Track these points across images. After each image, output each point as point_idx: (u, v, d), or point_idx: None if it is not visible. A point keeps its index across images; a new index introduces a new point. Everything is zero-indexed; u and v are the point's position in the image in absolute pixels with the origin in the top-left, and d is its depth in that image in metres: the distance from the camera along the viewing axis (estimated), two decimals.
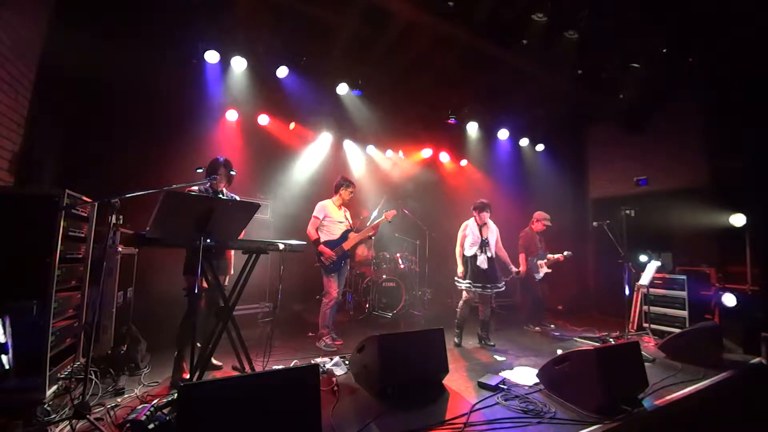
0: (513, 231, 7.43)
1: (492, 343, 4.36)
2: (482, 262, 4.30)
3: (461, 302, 4.41)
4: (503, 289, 4.41)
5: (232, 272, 3.42)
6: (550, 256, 5.32)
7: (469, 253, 4.36)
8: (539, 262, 5.36)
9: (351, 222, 4.41)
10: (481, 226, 4.47)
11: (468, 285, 4.29)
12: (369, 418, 2.42)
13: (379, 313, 5.72)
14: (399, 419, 2.43)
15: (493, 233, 4.50)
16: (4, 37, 3.05)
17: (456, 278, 4.44)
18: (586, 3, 4.15)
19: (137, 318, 3.83)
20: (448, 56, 5.31)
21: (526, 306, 5.60)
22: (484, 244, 4.36)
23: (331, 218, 4.23)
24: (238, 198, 3.31)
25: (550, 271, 5.33)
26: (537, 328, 5.25)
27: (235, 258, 3.42)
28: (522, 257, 5.32)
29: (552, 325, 5.39)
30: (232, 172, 3.19)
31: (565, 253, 5.27)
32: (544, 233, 5.57)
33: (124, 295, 3.74)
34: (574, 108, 6.73)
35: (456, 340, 4.38)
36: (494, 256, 4.41)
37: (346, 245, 4.21)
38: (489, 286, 4.28)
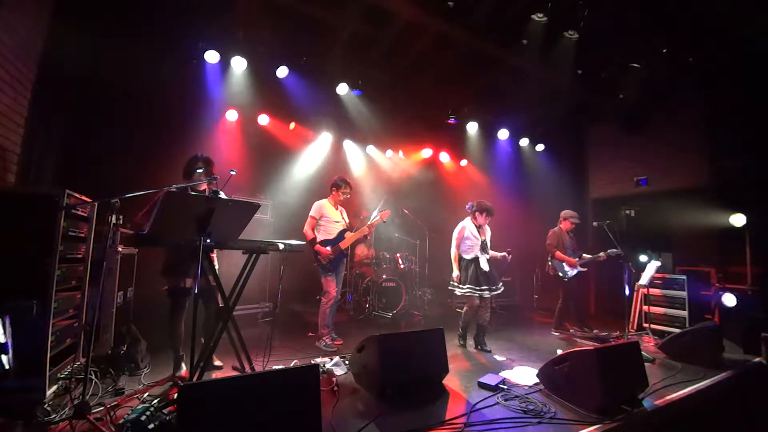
0: (513, 231, 7.47)
1: (488, 349, 4.14)
2: (485, 264, 4.20)
3: (466, 307, 4.24)
4: (502, 290, 4.30)
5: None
6: (585, 255, 5.03)
7: (469, 256, 4.22)
8: None
9: (348, 221, 4.41)
10: (479, 227, 4.34)
11: (470, 289, 4.11)
12: (369, 418, 2.41)
13: (379, 313, 5.72)
14: (399, 419, 2.42)
15: (488, 234, 4.40)
16: (4, 37, 3.05)
17: (452, 283, 4.23)
18: (586, 3, 4.15)
19: (137, 318, 3.83)
20: (448, 56, 5.31)
21: (558, 309, 5.15)
22: (483, 246, 4.25)
23: (328, 218, 4.22)
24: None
25: (585, 270, 5.06)
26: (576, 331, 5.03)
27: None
28: (559, 254, 5.03)
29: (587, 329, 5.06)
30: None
31: (610, 251, 4.78)
32: (573, 231, 5.29)
33: (124, 295, 3.74)
34: (574, 108, 6.72)
35: (461, 342, 4.29)
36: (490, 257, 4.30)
37: (343, 244, 4.22)
38: (493, 288, 4.17)
